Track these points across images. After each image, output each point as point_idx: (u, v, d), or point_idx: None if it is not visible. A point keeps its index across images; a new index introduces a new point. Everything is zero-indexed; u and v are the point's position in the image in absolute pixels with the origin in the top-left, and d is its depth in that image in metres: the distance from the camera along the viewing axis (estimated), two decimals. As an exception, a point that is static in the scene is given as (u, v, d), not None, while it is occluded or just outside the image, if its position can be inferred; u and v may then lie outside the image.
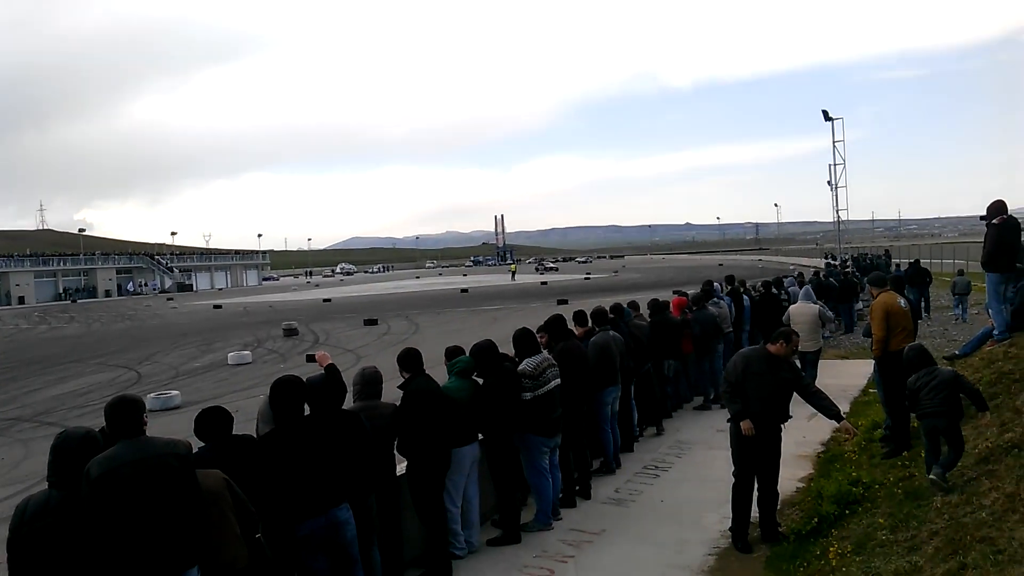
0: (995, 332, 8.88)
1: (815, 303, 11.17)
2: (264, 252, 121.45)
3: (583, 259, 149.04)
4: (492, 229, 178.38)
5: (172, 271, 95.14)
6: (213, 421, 3.96)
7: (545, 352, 6.49)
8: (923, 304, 20.91)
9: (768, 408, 5.63)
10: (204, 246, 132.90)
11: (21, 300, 73.88)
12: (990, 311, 9.09)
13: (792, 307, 11.25)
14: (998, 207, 8.41)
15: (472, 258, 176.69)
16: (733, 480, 5.80)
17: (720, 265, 60.55)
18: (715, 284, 12.96)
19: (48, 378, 19.81)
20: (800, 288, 13.40)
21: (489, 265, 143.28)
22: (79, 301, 74.16)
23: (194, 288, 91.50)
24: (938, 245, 47.41)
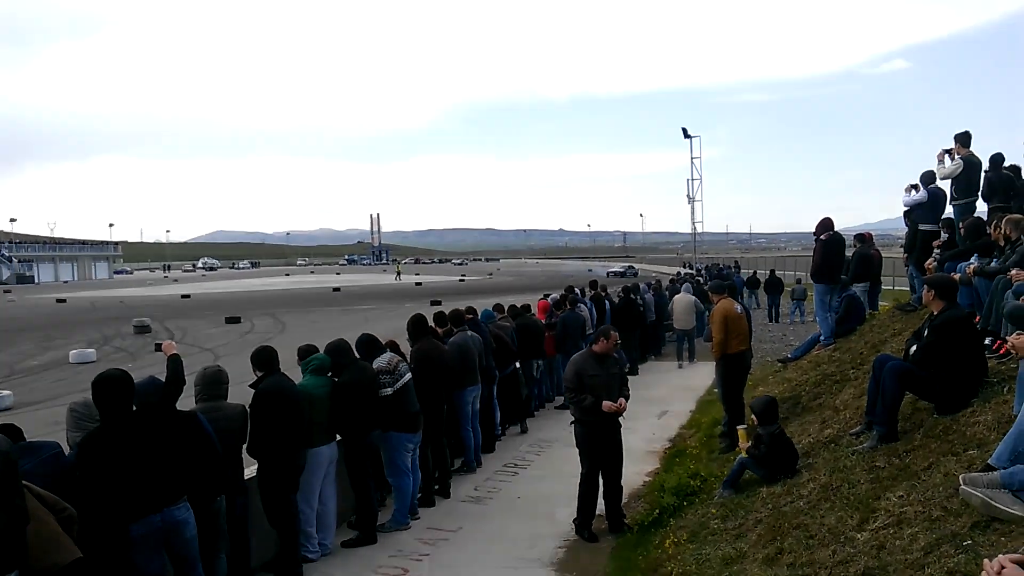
0: (822, 338, 9.82)
1: (692, 295, 15.52)
2: (116, 243, 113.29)
3: (459, 261, 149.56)
4: (368, 227, 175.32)
5: (11, 261, 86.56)
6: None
7: (389, 352, 6.49)
8: (775, 310, 22.90)
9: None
10: (48, 235, 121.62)
11: None
12: (817, 319, 10.03)
13: (676, 296, 15.78)
14: (825, 224, 9.30)
15: (346, 256, 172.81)
16: (581, 476, 6.09)
17: (589, 271, 62.68)
18: (576, 289, 13.49)
19: None
20: (653, 295, 15.36)
21: (364, 264, 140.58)
22: None
23: (36, 280, 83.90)
24: (782, 258, 51.48)
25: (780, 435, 5.79)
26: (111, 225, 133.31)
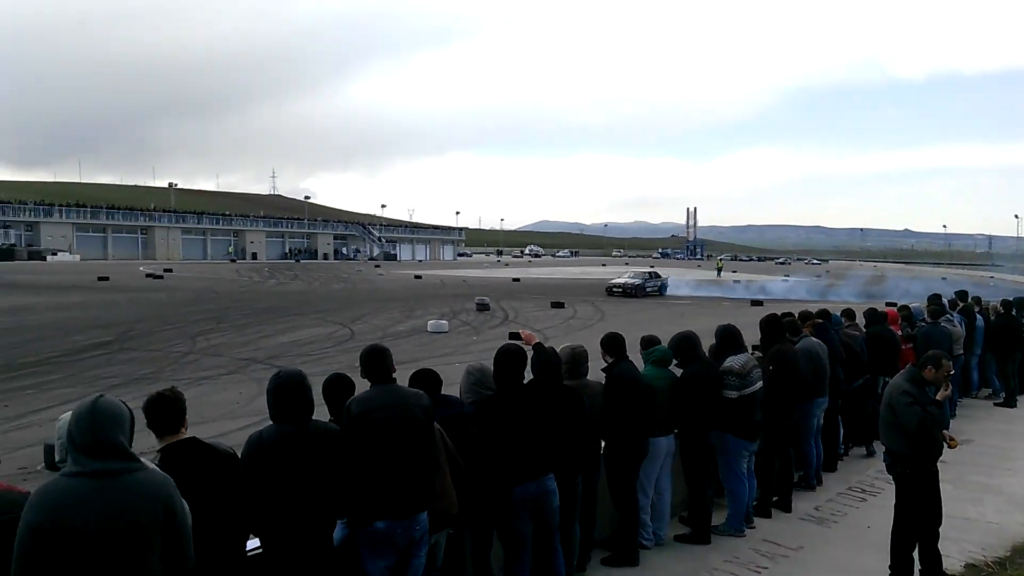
0: None
1: None
2: (460, 229, 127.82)
3: (781, 260, 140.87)
4: (683, 221, 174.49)
5: (380, 241, 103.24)
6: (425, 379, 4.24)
7: (747, 354, 6.24)
8: None
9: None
10: (408, 219, 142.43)
11: (254, 256, 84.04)
12: None
13: None
14: None
15: (660, 250, 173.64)
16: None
17: (943, 279, 54.44)
18: (944, 299, 11.69)
19: (277, 327, 22.39)
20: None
21: (678, 258, 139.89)
22: (301, 261, 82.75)
23: (398, 258, 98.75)
24: None
25: None
26: (457, 213, 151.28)
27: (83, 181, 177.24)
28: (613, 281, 40.37)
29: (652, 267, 54.22)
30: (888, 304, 17.62)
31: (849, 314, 9.15)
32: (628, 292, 37.72)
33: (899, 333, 9.59)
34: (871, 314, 9.39)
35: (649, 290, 39.03)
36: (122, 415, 2.54)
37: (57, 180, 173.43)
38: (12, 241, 66.26)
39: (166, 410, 3.05)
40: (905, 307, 10.74)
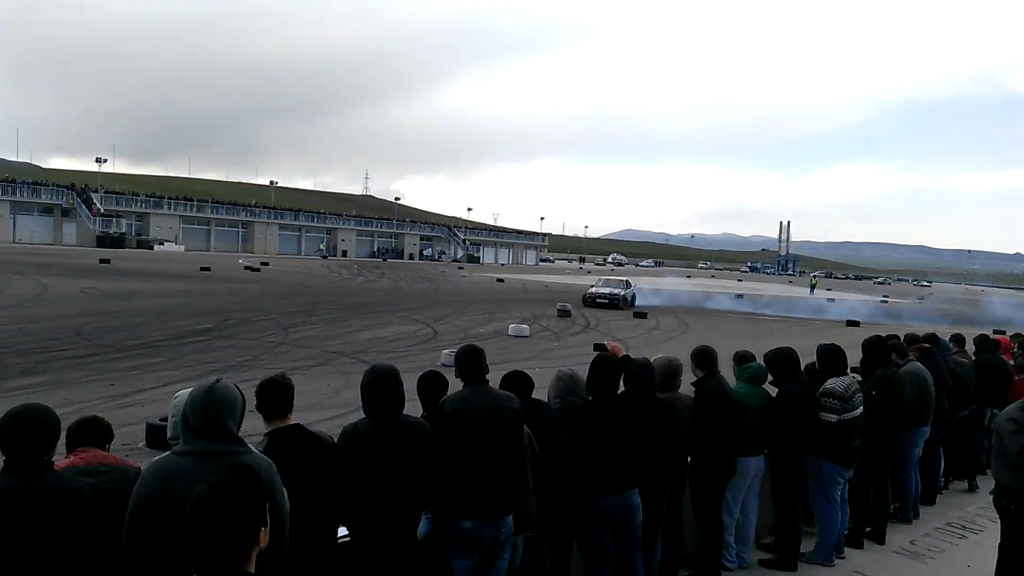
0: None
1: None
2: (544, 235, 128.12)
3: (880, 280, 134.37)
4: (774, 235, 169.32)
5: (464, 243, 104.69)
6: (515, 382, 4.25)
7: (851, 376, 5.98)
8: None
9: None
10: (492, 223, 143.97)
11: (344, 253, 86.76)
12: None
13: None
14: None
15: (749, 263, 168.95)
16: None
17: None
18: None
19: (364, 322, 23.00)
20: None
21: (767, 273, 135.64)
22: (388, 260, 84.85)
23: (480, 261, 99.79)
24: None
25: None
26: (542, 218, 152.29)
27: (191, 176, 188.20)
28: (593, 290, 34.64)
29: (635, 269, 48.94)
30: (996, 331, 16.56)
31: (959, 340, 8.64)
32: (614, 302, 32.71)
33: (1011, 363, 8.99)
34: (982, 341, 8.83)
35: (630, 300, 34.86)
36: (236, 401, 2.68)
37: (168, 174, 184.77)
38: (123, 230, 70.70)
39: (277, 395, 3.20)
40: (1019, 335, 10.03)
